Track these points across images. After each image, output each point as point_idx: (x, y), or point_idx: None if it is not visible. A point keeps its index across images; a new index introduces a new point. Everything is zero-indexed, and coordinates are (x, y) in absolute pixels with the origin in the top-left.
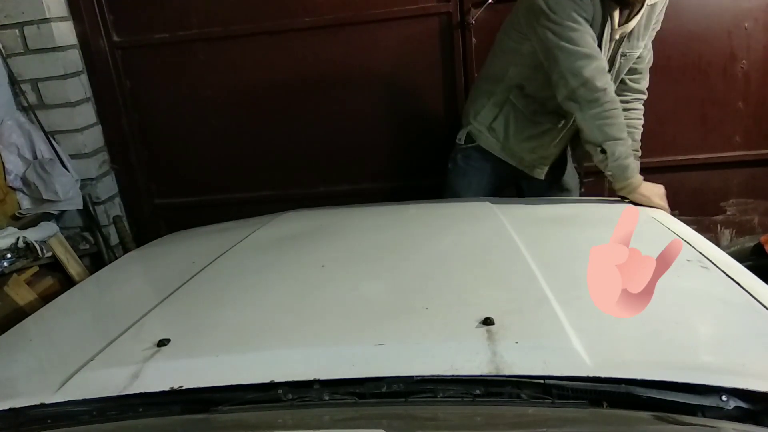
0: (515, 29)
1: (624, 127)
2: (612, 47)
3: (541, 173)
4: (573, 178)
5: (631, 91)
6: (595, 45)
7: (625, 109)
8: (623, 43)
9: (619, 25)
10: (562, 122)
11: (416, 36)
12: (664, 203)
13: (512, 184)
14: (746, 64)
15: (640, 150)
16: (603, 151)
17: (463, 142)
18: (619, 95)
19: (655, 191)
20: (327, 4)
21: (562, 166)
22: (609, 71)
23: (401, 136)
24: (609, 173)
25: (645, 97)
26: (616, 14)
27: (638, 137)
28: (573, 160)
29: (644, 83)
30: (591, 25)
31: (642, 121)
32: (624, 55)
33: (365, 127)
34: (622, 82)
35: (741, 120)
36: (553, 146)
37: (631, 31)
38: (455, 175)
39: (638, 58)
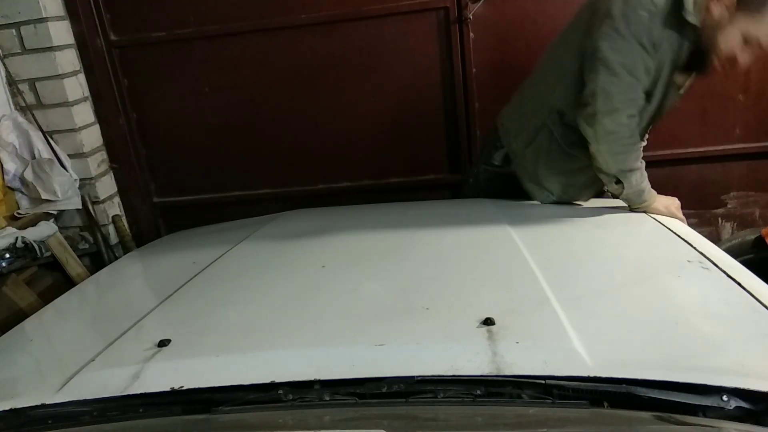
0: (573, 41)
1: (640, 154)
2: (669, 94)
3: None
4: None
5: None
6: (644, 76)
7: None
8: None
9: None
10: None
11: (414, 31)
12: (681, 214)
13: None
14: None
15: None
16: (618, 182)
17: (498, 164)
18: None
19: (670, 203)
20: (324, 1)
21: None
22: (655, 116)
23: (400, 132)
24: (624, 199)
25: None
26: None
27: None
28: None
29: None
30: (655, 55)
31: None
32: (670, 101)
33: (364, 124)
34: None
35: (741, 112)
36: (585, 188)
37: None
38: (473, 193)
39: None
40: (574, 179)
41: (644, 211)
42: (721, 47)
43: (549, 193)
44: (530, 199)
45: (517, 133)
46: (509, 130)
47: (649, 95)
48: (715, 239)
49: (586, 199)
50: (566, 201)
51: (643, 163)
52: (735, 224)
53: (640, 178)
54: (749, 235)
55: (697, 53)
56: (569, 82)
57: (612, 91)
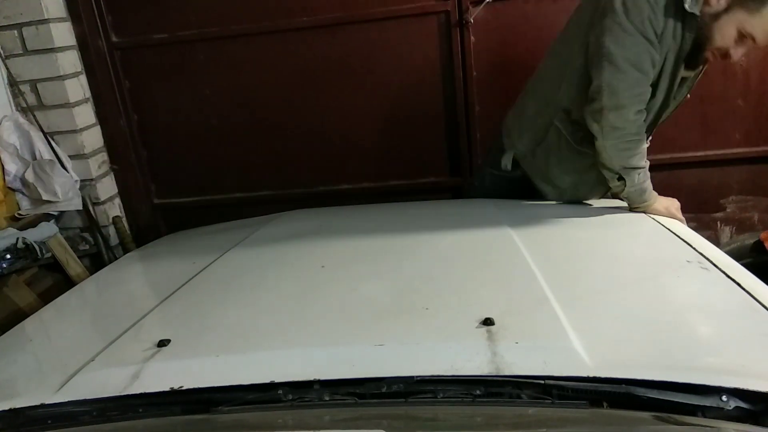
0: (577, 36)
1: (644, 155)
2: (674, 87)
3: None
4: None
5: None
6: (651, 69)
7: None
8: (680, 88)
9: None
10: None
11: (415, 35)
12: (681, 215)
13: None
14: (745, 62)
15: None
16: (620, 178)
17: (509, 169)
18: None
19: (670, 204)
20: (326, 4)
21: None
22: (660, 111)
23: (401, 135)
24: (625, 197)
25: None
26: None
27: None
28: None
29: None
30: (659, 47)
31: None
32: (674, 98)
33: (364, 127)
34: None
35: (740, 117)
36: (598, 184)
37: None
38: (478, 196)
39: None
40: (587, 176)
41: (644, 212)
42: (716, 39)
43: (562, 192)
44: (541, 199)
45: (521, 133)
46: (511, 129)
47: (654, 88)
48: (714, 243)
49: (598, 197)
50: (579, 199)
51: (648, 162)
52: (734, 228)
53: (642, 177)
54: (748, 240)
55: (694, 46)
56: (574, 79)
57: (618, 86)
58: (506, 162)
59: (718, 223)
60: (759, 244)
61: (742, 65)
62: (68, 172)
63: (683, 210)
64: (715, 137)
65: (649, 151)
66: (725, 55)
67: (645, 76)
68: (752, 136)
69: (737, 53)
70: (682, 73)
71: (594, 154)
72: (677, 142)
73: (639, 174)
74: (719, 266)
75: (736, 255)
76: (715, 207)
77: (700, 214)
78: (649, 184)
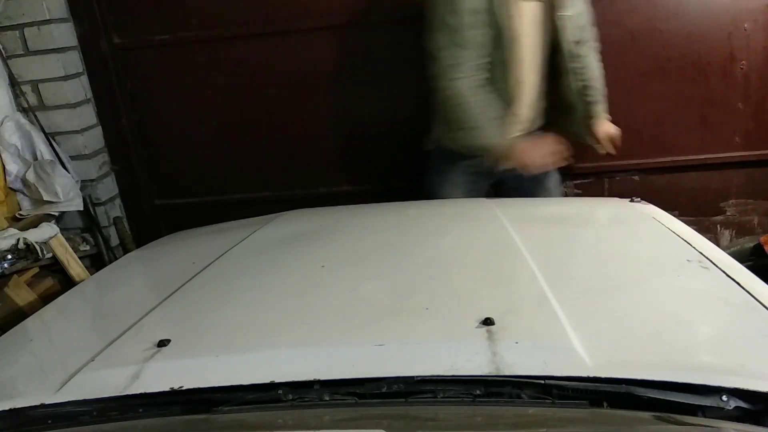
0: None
1: (475, 115)
2: (536, 12)
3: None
4: (553, 174)
5: (581, 53)
6: (466, 17)
7: (582, 68)
8: (552, 6)
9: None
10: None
11: (416, 37)
12: (542, 153)
13: (487, 183)
14: (746, 65)
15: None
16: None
17: (431, 147)
18: (571, 61)
19: (531, 146)
20: (326, 6)
21: None
22: (557, 41)
23: (401, 137)
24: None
25: (595, 45)
26: None
27: (599, 84)
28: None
29: (589, 39)
30: None
31: (599, 71)
32: (560, 18)
33: (366, 128)
34: (571, 48)
35: (740, 121)
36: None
37: None
38: (431, 174)
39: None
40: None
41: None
42: None
43: (435, 138)
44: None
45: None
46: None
47: (497, 39)
48: None
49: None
50: (459, 151)
51: (491, 112)
52: (734, 232)
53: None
54: (748, 243)
55: None
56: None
57: (436, 45)
58: (425, 142)
59: (718, 226)
60: (759, 247)
61: (742, 68)
62: (69, 172)
63: (683, 213)
64: (714, 140)
65: (650, 154)
66: None
67: (460, 24)
68: (752, 140)
69: None
70: (525, 7)
71: None
72: (677, 145)
73: (474, 136)
74: (719, 265)
75: (736, 258)
76: (715, 210)
77: (700, 218)
78: (492, 141)
